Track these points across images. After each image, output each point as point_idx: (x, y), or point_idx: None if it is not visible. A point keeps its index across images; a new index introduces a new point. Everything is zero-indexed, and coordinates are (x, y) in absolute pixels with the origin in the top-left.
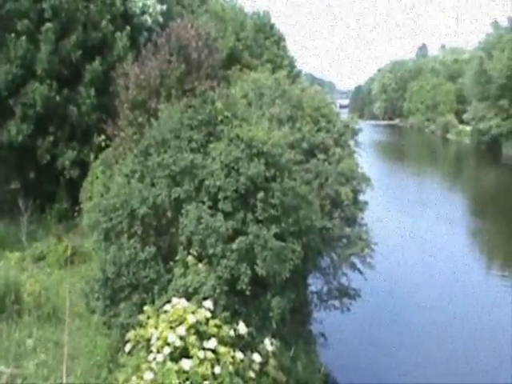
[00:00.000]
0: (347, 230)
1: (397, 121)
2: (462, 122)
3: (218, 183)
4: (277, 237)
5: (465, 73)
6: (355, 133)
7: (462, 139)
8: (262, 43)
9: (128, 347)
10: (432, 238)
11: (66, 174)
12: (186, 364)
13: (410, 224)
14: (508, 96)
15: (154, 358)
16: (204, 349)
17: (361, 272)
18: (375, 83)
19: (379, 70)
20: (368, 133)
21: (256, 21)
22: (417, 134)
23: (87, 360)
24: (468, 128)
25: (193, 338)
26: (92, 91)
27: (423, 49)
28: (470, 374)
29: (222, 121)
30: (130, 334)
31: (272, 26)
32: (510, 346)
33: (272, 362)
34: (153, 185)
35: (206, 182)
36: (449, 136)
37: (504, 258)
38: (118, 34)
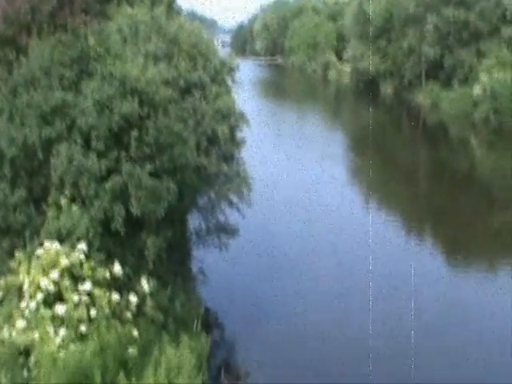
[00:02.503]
0: (225, 167)
1: (278, 59)
2: (341, 61)
3: (90, 122)
4: (151, 175)
5: (345, 13)
6: (232, 70)
7: (342, 79)
8: None
9: None
10: (311, 175)
11: None
12: (60, 309)
13: (291, 161)
14: (385, 37)
15: (27, 305)
16: (79, 292)
17: (239, 209)
18: (257, 21)
19: (262, 9)
20: (249, 71)
21: None
22: (298, 72)
23: None
24: (348, 68)
25: (67, 282)
26: None
27: None
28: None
29: (94, 57)
30: (1, 282)
31: None
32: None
33: (149, 301)
34: (22, 125)
35: (78, 121)
36: (329, 75)
37: (379, 194)
38: None
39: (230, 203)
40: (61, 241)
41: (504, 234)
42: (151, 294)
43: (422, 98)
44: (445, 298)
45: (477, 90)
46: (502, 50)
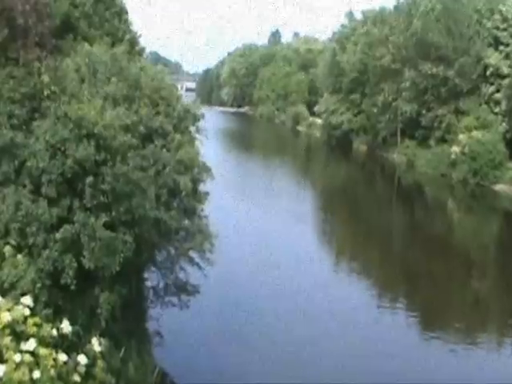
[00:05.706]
0: (186, 222)
1: (246, 109)
2: (312, 114)
3: (41, 165)
4: (107, 226)
5: (318, 63)
6: (197, 119)
7: (313, 132)
8: (102, 14)
9: None
10: (278, 234)
11: None
12: None
13: (259, 220)
14: (359, 90)
15: None
16: (21, 351)
17: (200, 267)
18: (225, 67)
19: (229, 54)
20: (215, 120)
21: None
22: (266, 123)
23: None
24: (319, 121)
25: (8, 340)
26: None
27: (276, 35)
28: None
29: (48, 96)
30: None
31: None
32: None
33: (100, 363)
34: None
35: (28, 164)
36: (299, 128)
37: (349, 254)
38: None
39: (191, 261)
40: (3, 294)
41: (477, 302)
42: (102, 355)
43: (397, 156)
44: None
45: (455, 150)
46: (481, 108)
